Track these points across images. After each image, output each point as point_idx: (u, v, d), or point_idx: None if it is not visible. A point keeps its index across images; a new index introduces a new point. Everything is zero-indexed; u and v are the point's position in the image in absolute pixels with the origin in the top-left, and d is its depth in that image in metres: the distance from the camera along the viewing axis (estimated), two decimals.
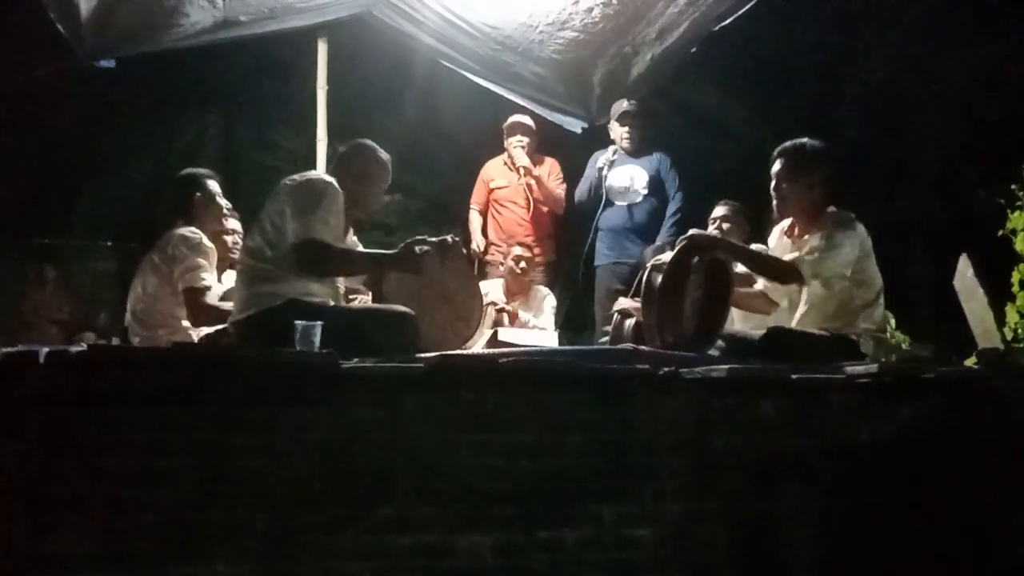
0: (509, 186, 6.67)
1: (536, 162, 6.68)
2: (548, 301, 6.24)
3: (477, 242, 6.66)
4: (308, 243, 3.84)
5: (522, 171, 6.50)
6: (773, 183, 4.27)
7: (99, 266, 6.72)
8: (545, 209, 6.66)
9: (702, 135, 8.21)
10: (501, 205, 6.69)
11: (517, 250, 6.17)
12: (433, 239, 4.23)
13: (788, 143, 4.29)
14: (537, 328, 5.89)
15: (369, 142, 4.36)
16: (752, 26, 5.93)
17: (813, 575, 3.48)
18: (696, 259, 4.08)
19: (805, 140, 4.30)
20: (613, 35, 5.92)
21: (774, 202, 4.30)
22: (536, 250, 6.44)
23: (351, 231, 4.35)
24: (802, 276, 4.10)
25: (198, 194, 4.73)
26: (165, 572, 2.88)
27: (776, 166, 4.27)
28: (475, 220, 6.76)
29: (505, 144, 6.72)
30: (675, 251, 4.13)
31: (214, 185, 4.81)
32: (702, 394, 3.45)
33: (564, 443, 3.29)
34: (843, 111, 8.67)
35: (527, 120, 6.63)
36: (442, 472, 3.16)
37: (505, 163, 6.73)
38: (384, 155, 4.31)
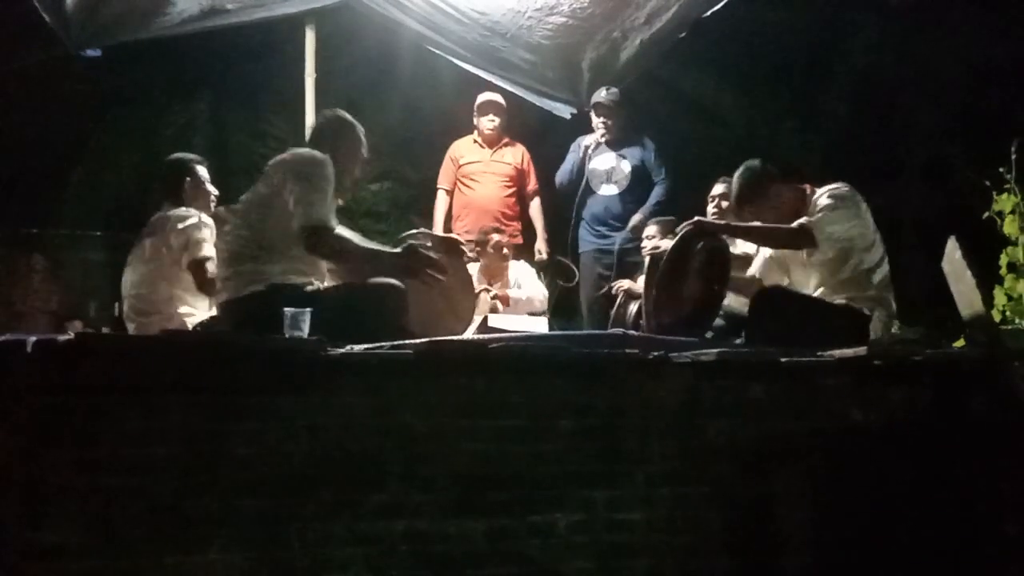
0: (481, 161, 6.63)
1: (506, 146, 6.65)
2: (526, 272, 6.21)
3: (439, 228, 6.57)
4: (318, 229, 3.81)
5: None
6: (743, 213, 4.40)
7: (89, 255, 6.69)
8: (515, 188, 6.64)
9: (691, 120, 8.21)
10: (472, 179, 6.63)
11: (496, 236, 6.09)
12: (437, 235, 4.23)
13: (727, 178, 4.49)
14: (528, 298, 5.89)
15: (342, 114, 4.29)
16: (741, 11, 5.93)
17: (805, 557, 3.49)
18: (699, 245, 4.13)
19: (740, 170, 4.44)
20: (602, 20, 5.92)
21: (754, 220, 4.40)
22: (507, 229, 6.45)
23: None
24: (815, 238, 4.16)
25: (188, 179, 4.74)
26: (158, 560, 2.88)
27: (734, 197, 4.43)
28: (441, 203, 6.67)
29: (475, 122, 6.69)
30: (678, 236, 4.20)
31: (203, 171, 4.80)
32: (692, 378, 3.46)
33: (555, 428, 3.30)
34: (832, 96, 8.68)
35: (498, 98, 6.59)
36: (433, 458, 3.17)
37: (475, 141, 6.70)
38: (360, 128, 4.24)
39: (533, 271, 6.29)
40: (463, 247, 4.57)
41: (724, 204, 5.24)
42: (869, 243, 4.28)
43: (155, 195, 4.81)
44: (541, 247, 6.67)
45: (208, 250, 4.51)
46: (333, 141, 4.14)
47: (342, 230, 4.05)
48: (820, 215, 4.20)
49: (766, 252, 4.58)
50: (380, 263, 4.04)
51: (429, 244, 4.17)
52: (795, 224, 4.23)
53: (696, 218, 4.34)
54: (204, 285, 4.50)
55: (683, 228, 4.28)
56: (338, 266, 4.12)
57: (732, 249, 4.67)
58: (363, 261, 4.10)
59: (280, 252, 3.82)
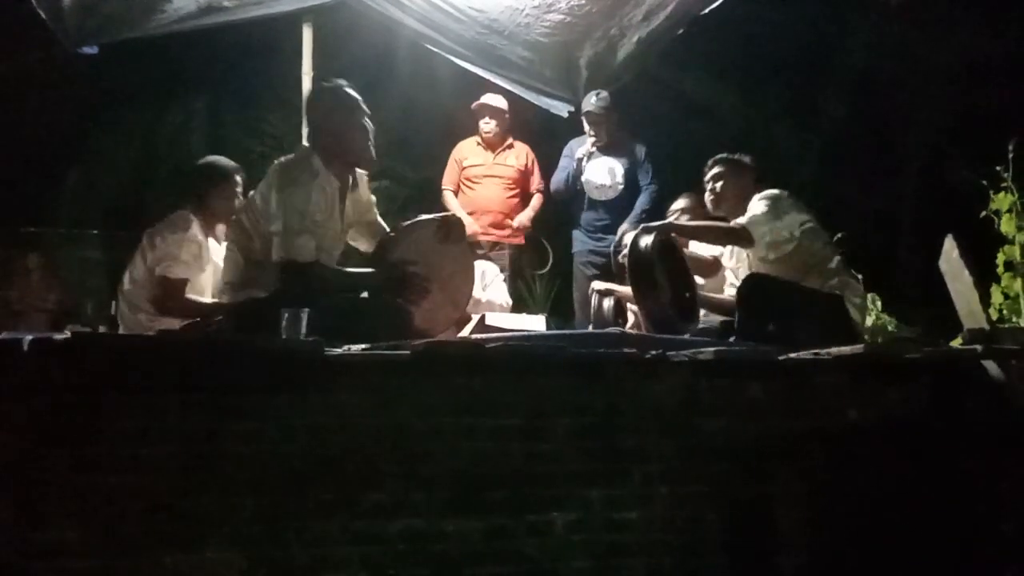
0: (483, 164, 6.65)
1: (507, 147, 6.66)
2: (489, 273, 6.19)
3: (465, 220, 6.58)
4: (293, 264, 3.77)
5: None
6: (709, 184, 4.72)
7: (85, 254, 6.69)
8: (519, 191, 6.65)
9: (688, 118, 8.22)
10: (474, 182, 6.66)
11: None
12: (435, 216, 4.25)
13: (721, 155, 4.78)
14: (487, 301, 5.86)
15: (329, 81, 4.20)
16: (739, 9, 5.93)
17: (802, 557, 3.49)
18: (647, 244, 4.29)
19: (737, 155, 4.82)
20: (599, 17, 5.91)
21: (709, 200, 4.76)
22: (506, 231, 6.43)
23: (366, 186, 4.29)
24: (751, 236, 4.38)
25: (223, 187, 4.58)
26: (155, 559, 2.88)
27: (712, 171, 4.72)
28: (452, 200, 6.70)
29: (479, 124, 6.70)
30: (629, 244, 4.40)
31: (240, 181, 4.64)
32: (690, 377, 3.46)
33: (552, 427, 3.30)
34: (830, 95, 8.70)
35: (494, 102, 6.60)
36: (431, 457, 3.16)
37: (478, 143, 6.71)
38: (350, 89, 4.13)
39: (499, 274, 6.28)
40: (463, 229, 4.54)
41: (684, 218, 5.28)
42: (810, 238, 4.43)
43: (182, 191, 4.69)
44: (524, 220, 6.64)
45: (181, 272, 4.37)
46: (326, 121, 4.06)
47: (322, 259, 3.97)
48: (752, 216, 4.40)
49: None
50: (360, 284, 4.05)
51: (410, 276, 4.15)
52: (733, 223, 4.46)
53: (641, 225, 4.55)
54: (166, 304, 4.36)
55: (630, 239, 4.45)
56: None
57: (700, 251, 4.99)
58: (352, 289, 4.08)
59: (274, 276, 3.81)
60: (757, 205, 4.43)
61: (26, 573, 2.77)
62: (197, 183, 4.66)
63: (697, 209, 5.33)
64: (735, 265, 4.77)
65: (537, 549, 3.22)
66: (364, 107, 4.13)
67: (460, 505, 3.17)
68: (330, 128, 4.03)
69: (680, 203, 5.43)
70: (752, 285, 4.29)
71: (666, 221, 4.71)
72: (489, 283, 6.06)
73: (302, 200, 3.82)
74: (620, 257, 5.66)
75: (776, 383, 3.55)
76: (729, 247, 4.80)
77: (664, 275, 4.40)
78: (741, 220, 4.42)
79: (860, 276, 4.75)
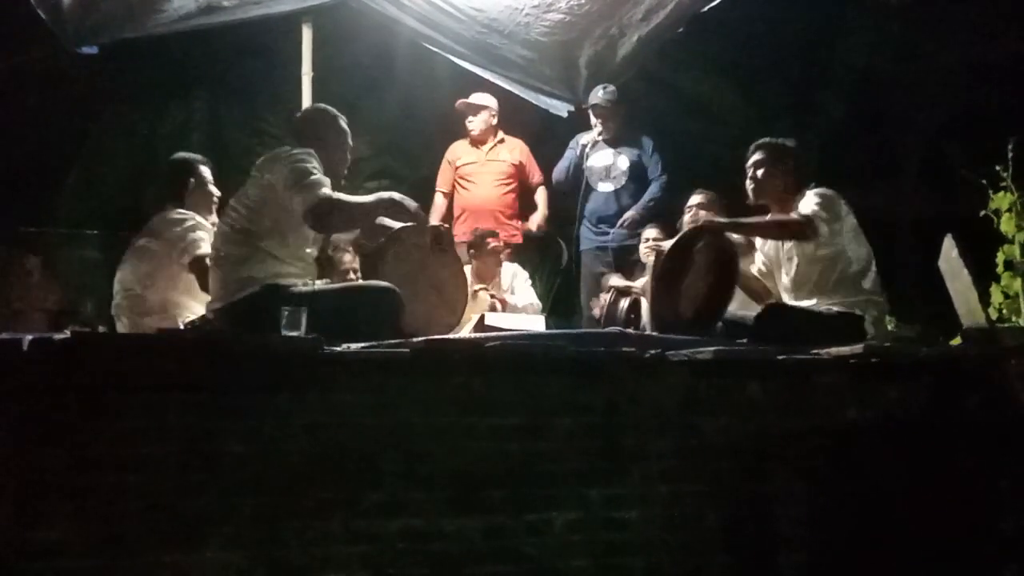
0: (476, 162, 6.64)
1: (499, 142, 6.65)
2: (519, 277, 6.22)
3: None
4: (322, 203, 3.83)
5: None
6: (750, 171, 4.46)
7: (85, 254, 6.69)
8: (515, 186, 6.65)
9: (688, 117, 8.21)
10: (469, 180, 6.65)
11: (492, 241, 6.06)
12: (426, 225, 4.27)
13: (764, 139, 4.54)
14: (523, 307, 5.89)
15: (322, 107, 4.39)
16: (738, 8, 5.93)
17: (801, 555, 3.50)
18: (700, 244, 4.15)
19: (780, 138, 4.57)
20: (599, 16, 5.91)
21: (750, 187, 4.47)
22: (506, 229, 6.45)
23: None
24: (817, 229, 4.18)
25: (191, 180, 4.71)
26: (154, 559, 2.88)
27: (754, 156, 4.47)
28: (438, 206, 6.68)
29: (466, 124, 6.71)
30: (681, 234, 4.24)
31: (207, 171, 4.78)
32: (689, 376, 3.46)
33: (552, 426, 3.30)
34: (829, 94, 8.69)
35: (475, 99, 6.59)
36: (430, 456, 3.17)
37: (469, 142, 6.71)
38: (342, 119, 4.31)
39: (527, 277, 6.28)
40: (449, 237, 4.57)
41: (702, 213, 5.22)
42: (854, 245, 4.29)
43: (157, 194, 4.79)
44: (540, 220, 6.65)
45: (207, 248, 4.46)
46: (317, 134, 4.20)
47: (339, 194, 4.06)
48: (814, 211, 4.21)
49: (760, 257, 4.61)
50: (380, 209, 4.09)
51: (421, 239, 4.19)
52: (794, 215, 4.25)
53: (704, 220, 4.41)
54: (206, 281, 4.47)
55: (687, 228, 4.32)
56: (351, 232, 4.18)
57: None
58: (370, 215, 4.14)
59: (272, 253, 3.85)
60: (811, 201, 4.25)
61: (26, 573, 2.77)
62: (170, 181, 4.78)
63: (714, 205, 5.29)
64: (768, 250, 4.56)
65: (536, 548, 3.23)
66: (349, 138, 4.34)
67: (459, 504, 3.17)
68: (324, 148, 4.14)
69: (696, 198, 5.39)
70: (770, 315, 4.18)
71: (726, 220, 4.49)
72: (519, 288, 6.10)
73: (311, 163, 3.94)
74: (645, 247, 5.65)
75: (775, 383, 3.56)
76: None
77: (703, 285, 4.24)
78: (806, 212, 4.20)
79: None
